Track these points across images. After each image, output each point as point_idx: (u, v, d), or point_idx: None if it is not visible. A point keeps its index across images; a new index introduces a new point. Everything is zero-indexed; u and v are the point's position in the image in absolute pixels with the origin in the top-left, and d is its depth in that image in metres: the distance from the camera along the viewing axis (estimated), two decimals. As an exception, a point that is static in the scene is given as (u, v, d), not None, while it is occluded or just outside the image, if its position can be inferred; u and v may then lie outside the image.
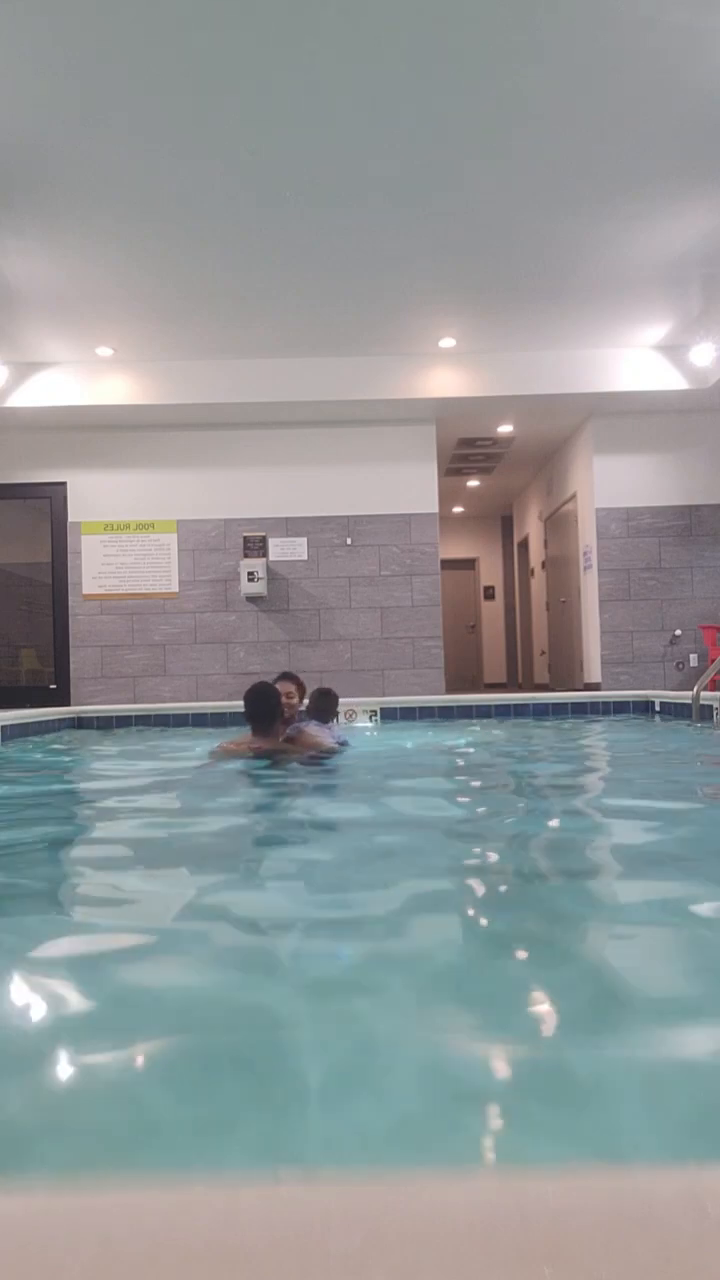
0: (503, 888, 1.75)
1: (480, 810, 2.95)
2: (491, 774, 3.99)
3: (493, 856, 2.07)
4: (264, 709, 3.93)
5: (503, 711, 7.33)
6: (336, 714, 4.77)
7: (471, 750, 5.11)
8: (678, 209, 5.67)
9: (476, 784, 3.73)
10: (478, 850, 2.18)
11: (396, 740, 5.64)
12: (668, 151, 5.05)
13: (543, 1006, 1.10)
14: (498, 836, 2.37)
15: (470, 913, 1.60)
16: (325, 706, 4.64)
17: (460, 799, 3.31)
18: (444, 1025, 1.04)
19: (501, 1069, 0.93)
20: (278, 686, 4.17)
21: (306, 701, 4.67)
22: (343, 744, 4.58)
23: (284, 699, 4.16)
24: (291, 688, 4.41)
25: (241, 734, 4.23)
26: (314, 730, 4.35)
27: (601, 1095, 0.86)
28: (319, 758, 4.13)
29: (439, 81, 4.42)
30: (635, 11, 3.97)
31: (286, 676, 4.52)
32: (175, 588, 8.76)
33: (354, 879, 1.82)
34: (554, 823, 2.61)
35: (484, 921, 1.52)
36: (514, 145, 4.97)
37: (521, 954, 1.32)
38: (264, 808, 3.05)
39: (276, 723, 4.02)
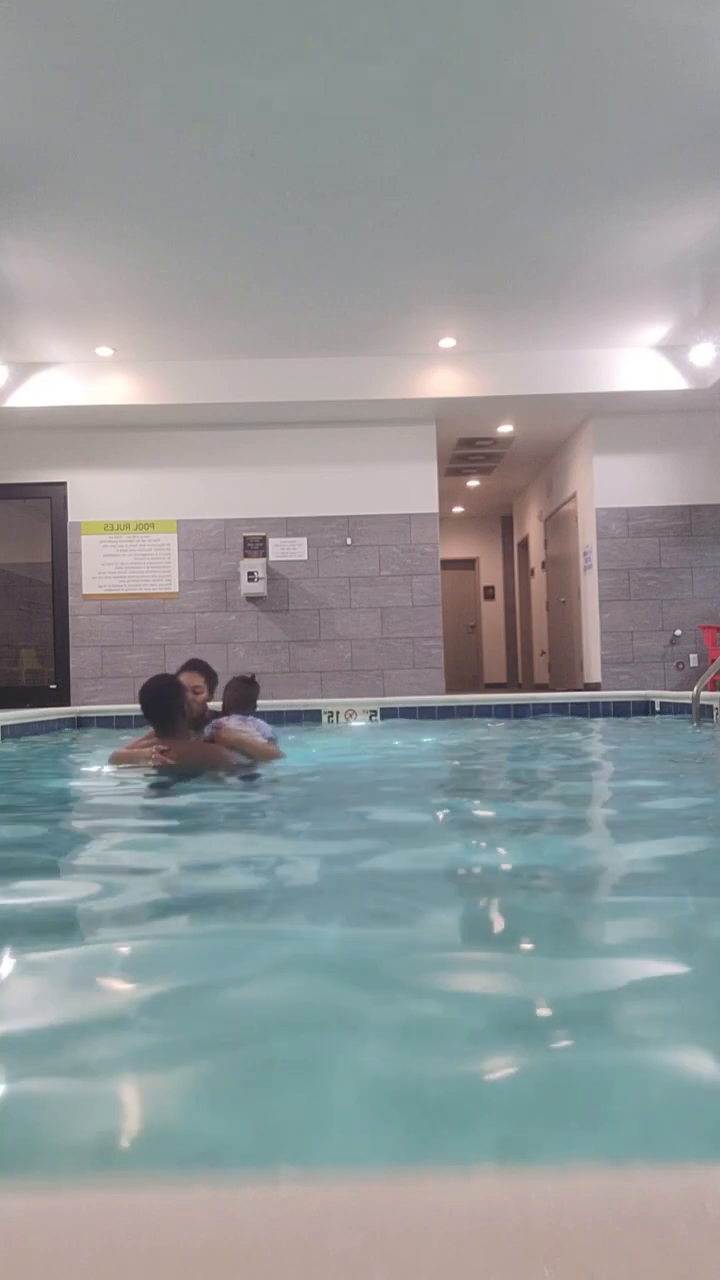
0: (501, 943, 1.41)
1: (452, 847, 2.28)
2: (466, 784, 3.49)
3: (483, 903, 1.67)
4: (163, 706, 3.38)
5: (503, 712, 7.32)
6: (256, 705, 4.05)
7: (430, 758, 4.60)
8: (678, 209, 5.68)
9: (439, 802, 3.14)
10: (461, 908, 1.67)
11: (361, 744, 5.37)
12: (668, 151, 5.05)
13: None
14: (481, 870, 1.96)
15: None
16: (245, 697, 3.94)
17: (424, 826, 2.62)
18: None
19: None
20: (181, 678, 3.61)
21: (219, 702, 4.02)
22: (270, 740, 3.83)
23: (190, 693, 3.59)
24: (199, 680, 3.80)
25: (146, 734, 3.63)
26: (235, 725, 3.67)
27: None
28: (242, 766, 3.49)
29: (439, 81, 4.42)
30: (635, 11, 3.97)
31: (193, 666, 3.90)
32: (175, 588, 8.76)
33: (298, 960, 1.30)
34: (546, 834, 2.58)
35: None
36: (514, 145, 4.97)
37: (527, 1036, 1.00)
38: (158, 848, 2.25)
39: (180, 720, 3.45)
